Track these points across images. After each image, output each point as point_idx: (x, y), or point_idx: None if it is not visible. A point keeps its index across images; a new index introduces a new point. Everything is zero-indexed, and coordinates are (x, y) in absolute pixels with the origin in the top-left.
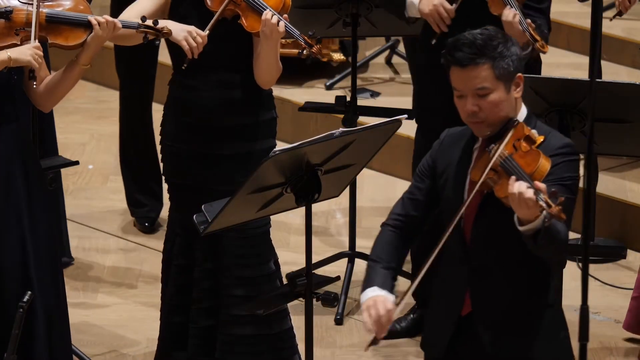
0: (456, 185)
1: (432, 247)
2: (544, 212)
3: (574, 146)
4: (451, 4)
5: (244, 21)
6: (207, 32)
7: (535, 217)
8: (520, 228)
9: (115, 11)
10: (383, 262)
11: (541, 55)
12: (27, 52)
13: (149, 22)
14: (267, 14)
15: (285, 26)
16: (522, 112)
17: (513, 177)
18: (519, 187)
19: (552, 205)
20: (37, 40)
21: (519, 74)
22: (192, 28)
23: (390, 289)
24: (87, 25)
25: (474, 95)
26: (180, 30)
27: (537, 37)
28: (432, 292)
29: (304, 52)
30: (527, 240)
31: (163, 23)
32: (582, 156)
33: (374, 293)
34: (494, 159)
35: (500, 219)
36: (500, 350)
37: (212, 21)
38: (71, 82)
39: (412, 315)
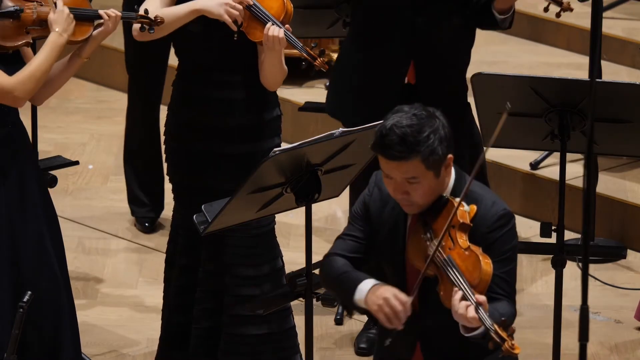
0: (394, 257)
1: None
2: (492, 335)
3: (509, 211)
4: None
5: (247, 29)
6: None
7: (477, 324)
8: (466, 335)
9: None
10: (351, 270)
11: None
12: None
13: (142, 12)
14: (269, 26)
15: (288, 38)
16: (452, 178)
17: (456, 295)
18: (463, 309)
19: (506, 339)
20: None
21: (449, 156)
22: None
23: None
24: (93, 19)
25: (403, 182)
26: (217, 6)
27: None
28: (378, 344)
29: (306, 63)
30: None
31: (189, 3)
32: (582, 156)
33: (370, 284)
34: (432, 254)
35: None
36: None
37: None
38: (69, 75)
39: (373, 330)
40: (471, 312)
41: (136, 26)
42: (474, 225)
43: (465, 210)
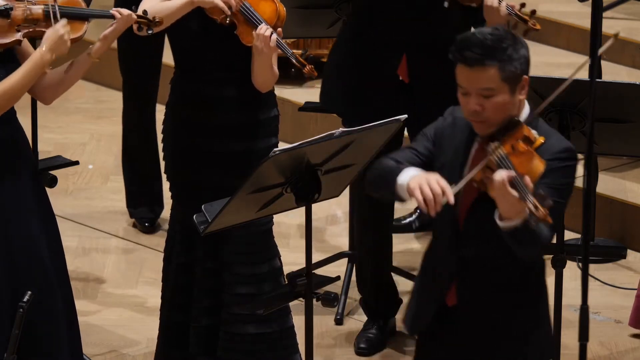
0: (453, 175)
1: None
2: (531, 215)
3: (574, 150)
4: None
5: (240, 32)
6: None
7: (518, 215)
8: (500, 223)
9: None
10: (399, 163)
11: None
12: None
13: (141, 13)
14: (262, 28)
15: (278, 43)
16: (525, 112)
17: (501, 172)
18: (502, 175)
19: (540, 208)
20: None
21: (525, 76)
22: None
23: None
24: (84, 19)
25: (478, 95)
26: None
27: (526, 17)
28: (417, 277)
29: (295, 70)
30: (507, 238)
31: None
32: (582, 156)
33: (414, 172)
34: (490, 157)
35: (493, 215)
36: (481, 345)
37: None
38: (80, 75)
39: (373, 331)
40: (513, 191)
41: (134, 26)
42: (540, 152)
43: (534, 132)
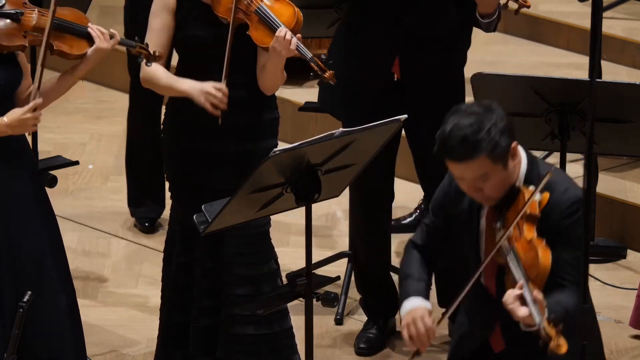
0: (471, 241)
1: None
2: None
3: (581, 198)
4: None
5: (253, 33)
6: (224, 82)
7: (535, 325)
8: (524, 328)
9: (128, 19)
10: (414, 276)
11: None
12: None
13: (144, 45)
14: (282, 31)
15: (298, 47)
16: (523, 166)
17: (510, 292)
18: (513, 307)
19: (553, 339)
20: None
21: (513, 144)
22: (208, 86)
23: (425, 296)
24: (89, 38)
25: (474, 180)
26: (198, 94)
27: None
28: (458, 317)
29: (314, 74)
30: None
31: (183, 82)
32: (582, 156)
33: (410, 305)
34: (500, 243)
35: None
36: None
37: (226, 62)
38: (61, 93)
39: (373, 331)
40: (521, 311)
41: (144, 69)
42: (547, 212)
43: (536, 200)
